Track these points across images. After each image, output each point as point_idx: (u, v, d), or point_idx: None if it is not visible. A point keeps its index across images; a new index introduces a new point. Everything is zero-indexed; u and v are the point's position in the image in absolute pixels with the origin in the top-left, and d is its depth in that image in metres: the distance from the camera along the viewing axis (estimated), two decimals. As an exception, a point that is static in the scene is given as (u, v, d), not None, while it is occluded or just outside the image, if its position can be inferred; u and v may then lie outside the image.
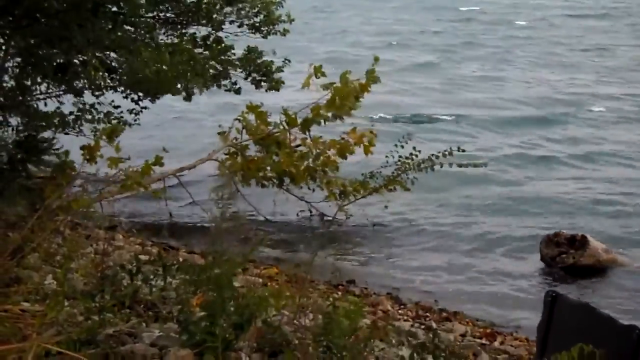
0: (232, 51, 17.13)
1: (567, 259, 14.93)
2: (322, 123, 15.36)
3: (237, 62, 17.33)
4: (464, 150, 15.82)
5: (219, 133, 16.49)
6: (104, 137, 13.09)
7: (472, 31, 51.28)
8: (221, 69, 17.09)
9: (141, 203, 16.88)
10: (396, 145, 15.82)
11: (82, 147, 13.20)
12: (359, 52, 40.40)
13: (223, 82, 17.62)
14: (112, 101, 15.44)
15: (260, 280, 12.39)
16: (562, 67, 38.30)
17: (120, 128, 13.81)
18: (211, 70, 16.81)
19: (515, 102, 30.22)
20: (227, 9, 16.79)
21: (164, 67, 14.01)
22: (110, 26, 10.41)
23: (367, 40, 46.43)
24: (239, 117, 16.06)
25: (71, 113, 13.08)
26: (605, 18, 57.06)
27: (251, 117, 15.84)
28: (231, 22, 17.08)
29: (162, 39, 15.72)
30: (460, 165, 15.69)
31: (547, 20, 56.62)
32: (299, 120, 15.49)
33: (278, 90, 17.93)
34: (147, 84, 14.59)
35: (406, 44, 45.94)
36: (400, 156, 15.71)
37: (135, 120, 16.33)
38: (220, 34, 17.06)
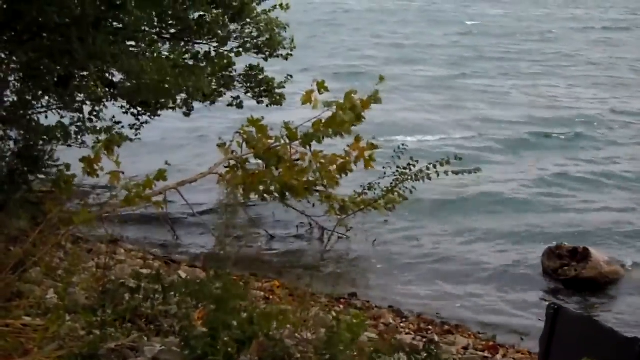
0: (234, 67, 17.12)
1: (569, 271, 14.91)
2: (322, 139, 15.38)
3: (238, 78, 17.35)
4: (460, 159, 15.82)
5: (218, 145, 16.51)
6: (102, 149, 13.14)
7: (481, 45, 51.37)
8: (222, 82, 17.08)
9: (143, 216, 16.86)
10: (393, 157, 15.86)
11: (82, 160, 13.23)
12: (369, 65, 40.46)
13: (225, 96, 17.59)
14: (113, 117, 15.45)
15: (262, 293, 12.40)
16: (575, 81, 38.36)
17: (117, 139, 13.84)
18: (213, 85, 16.79)
19: (528, 119, 29.87)
20: (231, 27, 16.80)
21: (164, 76, 14.03)
22: (111, 40, 10.43)
23: (375, 54, 46.45)
24: (239, 131, 16.09)
25: (72, 124, 13.08)
26: (614, 31, 57.43)
27: (252, 130, 15.87)
28: (235, 39, 17.07)
29: (165, 54, 15.73)
30: (455, 173, 15.67)
31: (554, 33, 56.81)
32: (300, 135, 15.52)
33: (280, 104, 17.94)
34: (147, 92, 14.57)
35: (415, 58, 45.95)
36: (398, 167, 15.73)
37: (136, 135, 16.33)
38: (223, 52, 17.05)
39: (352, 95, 15.51)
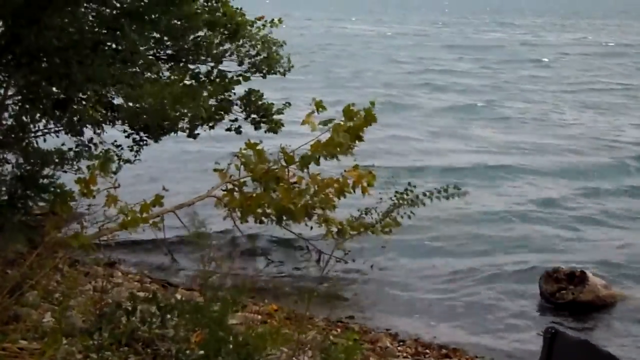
0: (233, 91, 17.19)
1: (567, 294, 14.90)
2: (318, 160, 15.40)
3: (237, 102, 17.40)
4: (459, 189, 15.87)
5: (215, 170, 16.53)
6: (97, 170, 13.14)
7: (500, 69, 51.94)
8: (221, 106, 17.13)
9: (140, 239, 16.85)
10: (389, 180, 15.93)
11: (78, 181, 13.23)
12: (392, 94, 40.66)
13: (224, 120, 17.63)
14: (115, 141, 15.50)
15: (259, 317, 12.37)
16: (598, 107, 38.72)
17: (112, 160, 13.86)
18: (212, 108, 16.85)
19: (556, 148, 29.87)
20: (227, 46, 16.88)
21: (164, 95, 14.08)
22: (109, 63, 10.46)
23: (395, 80, 46.82)
24: (237, 154, 16.12)
25: (70, 149, 13.09)
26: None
27: (250, 153, 15.90)
28: (231, 57, 17.15)
29: (162, 75, 15.79)
30: (446, 197, 15.70)
31: (569, 57, 57.39)
32: (297, 158, 15.55)
33: (276, 132, 17.96)
34: (148, 115, 14.62)
35: (437, 85, 46.24)
36: (396, 192, 15.76)
37: (135, 157, 16.36)
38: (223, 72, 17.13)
39: (351, 108, 15.53)
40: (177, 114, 15.07)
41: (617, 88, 46.68)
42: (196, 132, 16.85)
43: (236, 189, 16.00)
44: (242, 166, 16.07)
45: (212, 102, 16.75)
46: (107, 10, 10.21)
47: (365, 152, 18.89)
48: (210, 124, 17.12)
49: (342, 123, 15.31)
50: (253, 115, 17.65)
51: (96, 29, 10.05)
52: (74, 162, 13.27)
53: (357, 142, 15.53)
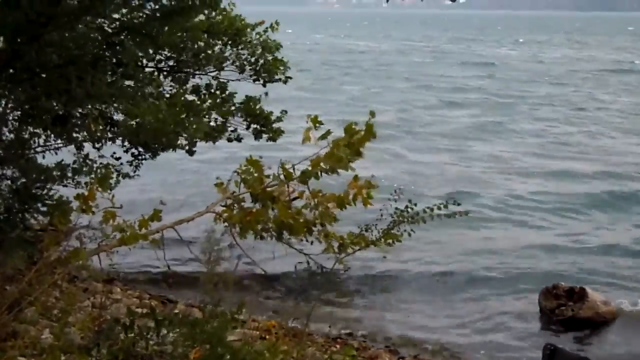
0: (234, 100, 17.23)
1: (566, 311, 14.89)
2: (320, 175, 15.41)
3: (236, 112, 17.41)
4: (459, 204, 15.83)
5: (216, 185, 16.54)
6: (96, 186, 13.14)
7: (518, 88, 52.20)
8: (222, 120, 17.17)
9: (139, 256, 16.85)
10: (391, 197, 15.89)
11: (76, 197, 13.23)
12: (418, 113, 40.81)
13: (223, 136, 17.65)
14: (114, 153, 15.53)
15: (258, 333, 12.36)
16: (613, 128, 39.07)
17: (110, 176, 13.87)
18: (213, 122, 16.88)
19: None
20: (227, 53, 16.91)
21: (164, 115, 14.11)
22: (110, 78, 10.49)
23: (414, 98, 47.03)
24: (237, 170, 16.12)
25: (69, 165, 13.12)
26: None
27: (250, 169, 15.90)
28: (232, 64, 17.18)
29: (163, 89, 15.83)
30: (447, 216, 15.68)
31: (586, 75, 57.83)
32: (298, 173, 15.56)
33: (275, 141, 18.00)
34: (146, 133, 14.65)
35: (456, 102, 46.42)
36: (396, 208, 15.74)
37: (135, 172, 16.37)
38: (222, 81, 17.16)
39: (353, 126, 15.56)
40: (177, 132, 15.10)
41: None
42: (194, 149, 16.88)
43: (236, 204, 15.99)
44: (241, 182, 16.07)
45: (213, 116, 16.80)
46: (107, 25, 10.23)
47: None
48: (211, 140, 17.18)
49: (342, 138, 15.33)
50: (254, 125, 17.68)
51: (96, 44, 10.07)
52: (74, 177, 13.31)
53: (357, 157, 15.54)
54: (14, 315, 7.28)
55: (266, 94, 17.77)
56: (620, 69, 72.58)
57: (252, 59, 17.10)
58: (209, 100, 16.67)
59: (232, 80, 17.25)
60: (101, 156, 14.87)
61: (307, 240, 16.29)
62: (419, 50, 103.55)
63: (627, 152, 32.93)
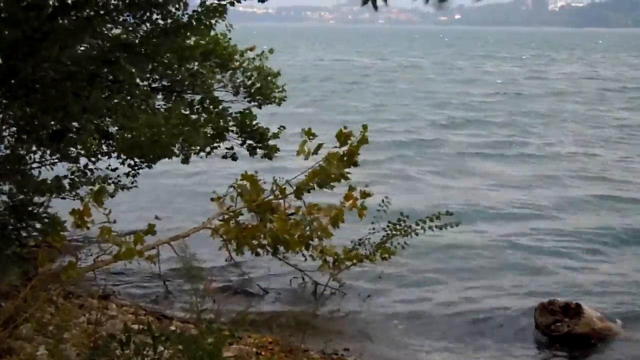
0: (228, 116, 17.29)
1: (562, 327, 14.86)
2: (314, 189, 15.48)
3: (232, 127, 17.47)
4: (451, 214, 15.86)
5: (212, 199, 16.56)
6: (92, 200, 13.16)
7: (526, 106, 52.47)
8: (216, 132, 17.21)
9: (135, 271, 16.83)
10: (380, 207, 15.94)
11: (72, 212, 13.24)
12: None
13: (219, 146, 17.69)
14: (109, 165, 15.55)
15: (254, 349, 12.34)
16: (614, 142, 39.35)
17: (105, 190, 13.89)
18: (208, 134, 16.94)
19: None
20: (220, 76, 16.99)
21: (159, 129, 14.14)
22: (106, 94, 10.51)
23: (420, 116, 47.23)
24: (233, 185, 16.16)
25: (65, 177, 13.14)
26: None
27: (246, 184, 15.95)
28: (225, 86, 17.27)
29: (158, 105, 15.88)
30: (439, 227, 15.70)
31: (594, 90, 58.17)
32: (293, 187, 15.62)
33: (271, 158, 18.06)
34: (143, 148, 14.69)
35: (463, 119, 46.55)
36: (389, 222, 15.77)
37: (132, 183, 16.45)
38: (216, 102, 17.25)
39: (344, 130, 15.63)
40: (172, 140, 15.16)
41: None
42: (189, 158, 16.95)
43: (232, 219, 16.02)
44: (238, 197, 16.11)
45: (208, 129, 16.87)
46: (104, 43, 10.26)
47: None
48: (206, 151, 17.25)
49: (334, 151, 15.42)
50: (249, 141, 17.73)
51: (92, 61, 10.10)
52: (71, 191, 13.33)
53: (352, 166, 15.63)
54: (10, 331, 7.28)
55: (259, 106, 17.86)
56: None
57: (248, 83, 17.24)
58: (204, 114, 16.73)
59: (227, 102, 17.34)
60: (96, 169, 14.91)
61: (303, 256, 16.33)
62: (422, 66, 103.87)
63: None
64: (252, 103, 17.70)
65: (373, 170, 29.89)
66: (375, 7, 4.76)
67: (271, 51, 17.77)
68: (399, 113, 50.91)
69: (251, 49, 17.61)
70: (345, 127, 15.93)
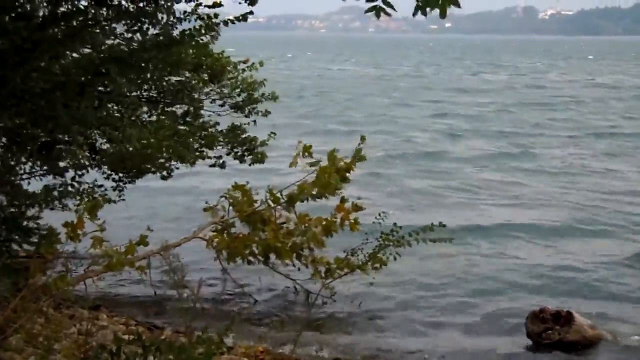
0: (217, 127, 17.29)
1: (553, 335, 14.86)
2: (307, 199, 15.48)
3: (220, 138, 17.46)
4: (444, 226, 15.85)
5: (204, 209, 16.56)
6: (85, 213, 13.13)
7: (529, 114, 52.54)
8: (204, 142, 17.19)
9: (126, 281, 16.81)
10: (375, 220, 15.92)
11: (65, 225, 13.21)
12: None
13: (207, 156, 17.67)
14: (95, 180, 15.48)
15: (245, 359, 12.33)
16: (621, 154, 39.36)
17: (100, 203, 13.87)
18: (195, 145, 16.93)
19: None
20: (209, 88, 17.01)
21: (148, 141, 14.15)
22: (95, 105, 10.51)
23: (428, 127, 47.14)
24: (225, 195, 16.16)
25: (54, 189, 13.12)
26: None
27: (237, 194, 15.95)
28: (213, 101, 17.30)
29: (145, 117, 15.87)
30: (432, 241, 15.68)
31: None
32: (285, 197, 15.62)
33: (262, 162, 18.09)
34: (131, 160, 14.68)
35: (465, 129, 46.51)
36: (382, 232, 15.76)
37: (120, 197, 16.38)
38: (203, 112, 17.25)
39: (335, 154, 15.64)
40: (162, 156, 15.15)
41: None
42: (173, 170, 16.92)
43: (223, 229, 16.02)
44: (229, 207, 16.11)
45: (196, 141, 16.85)
46: (94, 54, 10.27)
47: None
48: (192, 161, 17.22)
49: (327, 166, 15.43)
50: (236, 150, 17.72)
51: (83, 72, 10.09)
52: (60, 201, 13.31)
53: (344, 182, 15.62)
54: (-1, 343, 7.25)
55: (254, 122, 17.88)
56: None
57: (235, 94, 17.25)
58: (191, 126, 16.72)
59: (213, 112, 17.36)
60: (82, 183, 14.86)
61: (294, 265, 16.33)
62: (418, 75, 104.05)
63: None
64: (239, 113, 17.68)
65: (372, 180, 30.08)
66: (378, 16, 4.77)
67: (261, 63, 17.75)
68: (399, 123, 50.79)
69: (245, 62, 17.60)
70: (336, 150, 15.93)
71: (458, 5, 4.67)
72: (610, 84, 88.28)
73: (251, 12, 10.58)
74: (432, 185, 31.21)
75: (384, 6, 4.71)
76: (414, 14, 4.70)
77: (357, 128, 43.92)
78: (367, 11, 4.78)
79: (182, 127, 16.54)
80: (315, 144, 16.25)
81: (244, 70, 17.44)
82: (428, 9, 4.69)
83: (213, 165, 18.10)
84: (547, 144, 42.60)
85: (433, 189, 30.58)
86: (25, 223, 10.12)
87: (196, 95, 16.67)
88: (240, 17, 10.89)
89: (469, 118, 54.17)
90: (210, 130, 17.16)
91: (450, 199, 28.71)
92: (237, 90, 17.32)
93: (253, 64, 17.58)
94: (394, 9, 4.75)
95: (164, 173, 16.78)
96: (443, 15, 4.66)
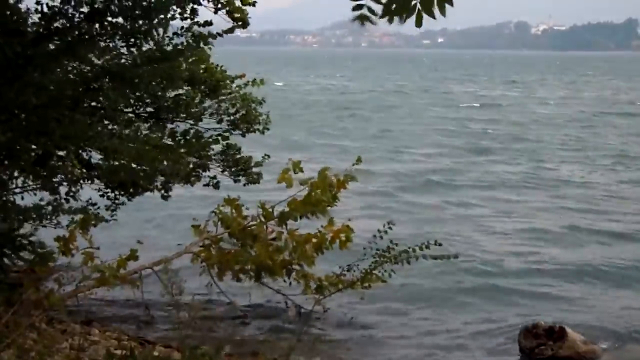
0: (212, 146, 17.23)
1: (546, 350, 14.88)
2: (299, 218, 15.45)
3: (215, 157, 17.42)
4: (440, 244, 15.85)
5: (193, 226, 16.51)
6: (77, 228, 13.11)
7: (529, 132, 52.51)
8: (199, 163, 17.15)
9: (118, 297, 16.78)
10: (375, 237, 15.89)
11: (57, 239, 13.19)
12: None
13: (202, 175, 17.63)
14: (90, 198, 15.44)
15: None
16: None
17: (93, 218, 13.84)
18: (190, 165, 16.89)
19: None
20: (207, 104, 16.97)
21: (141, 159, 14.13)
22: (89, 121, 10.52)
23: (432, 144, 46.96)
24: (215, 210, 16.13)
25: (48, 204, 13.09)
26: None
27: (227, 210, 15.92)
28: (211, 115, 17.24)
29: (140, 133, 15.83)
30: (433, 258, 15.69)
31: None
32: (276, 213, 15.59)
33: (258, 183, 18.01)
34: (125, 175, 14.64)
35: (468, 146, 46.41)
36: (377, 249, 15.74)
37: (112, 216, 16.26)
38: (201, 129, 17.19)
39: (326, 172, 15.64)
40: (154, 171, 15.10)
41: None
42: (170, 193, 16.87)
43: (213, 245, 15.99)
44: (219, 222, 16.08)
45: (190, 158, 16.79)
46: (88, 69, 10.28)
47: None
48: (188, 182, 17.17)
49: (318, 182, 15.42)
50: (231, 169, 17.68)
51: (76, 87, 10.10)
52: (52, 217, 13.27)
53: (334, 201, 15.61)
54: (-9, 358, 7.23)
55: (243, 135, 17.79)
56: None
57: (232, 111, 17.19)
58: (186, 146, 16.67)
59: (210, 129, 17.28)
60: (77, 200, 14.81)
61: (285, 281, 16.29)
62: (418, 91, 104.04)
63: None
64: (236, 131, 17.61)
65: (373, 197, 30.19)
66: (362, 23, 4.76)
67: (262, 82, 17.65)
68: (403, 139, 50.56)
69: (241, 77, 17.56)
70: (327, 168, 15.94)
71: (433, 17, 4.67)
72: (616, 101, 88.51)
73: (243, 26, 10.61)
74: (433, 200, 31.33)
75: (368, 14, 4.72)
76: (382, 17, 4.70)
77: (360, 144, 44.08)
78: (353, 20, 4.79)
79: (177, 144, 16.49)
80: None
81: (241, 86, 17.36)
82: (397, 18, 4.69)
83: (207, 185, 18.03)
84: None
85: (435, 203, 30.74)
86: (18, 240, 10.09)
87: (193, 110, 16.62)
88: (229, 30, 10.91)
89: (468, 135, 54.01)
90: (206, 149, 17.09)
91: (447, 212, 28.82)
92: (236, 106, 17.24)
93: (255, 80, 17.48)
94: (375, 14, 4.75)
95: (163, 192, 16.76)
96: (419, 23, 4.66)
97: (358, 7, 4.65)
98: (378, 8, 4.65)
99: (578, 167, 39.89)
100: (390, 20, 4.64)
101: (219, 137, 17.18)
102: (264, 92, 17.66)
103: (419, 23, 4.65)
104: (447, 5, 4.57)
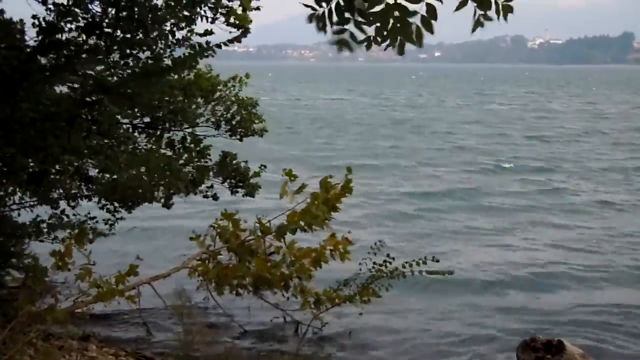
0: (209, 157, 17.19)
1: (544, 364, 14.84)
2: (295, 231, 15.44)
3: (213, 168, 17.37)
4: (437, 260, 15.86)
5: (191, 238, 16.49)
6: (73, 242, 13.09)
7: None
8: (197, 175, 17.10)
9: (115, 311, 16.72)
10: (369, 252, 15.89)
11: (52, 254, 13.15)
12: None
13: (199, 189, 17.58)
14: (89, 213, 15.41)
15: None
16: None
17: (88, 232, 13.81)
18: (189, 175, 16.85)
19: None
20: (203, 109, 16.94)
21: (141, 171, 14.11)
22: (86, 135, 10.49)
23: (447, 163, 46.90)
24: (213, 225, 16.11)
25: (43, 221, 13.05)
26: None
27: (226, 224, 15.91)
28: (207, 120, 17.20)
29: (139, 145, 15.80)
30: (429, 273, 15.69)
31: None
32: (274, 227, 15.58)
33: (253, 196, 17.94)
34: (123, 191, 14.62)
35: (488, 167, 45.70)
36: (374, 263, 15.74)
37: (110, 231, 16.20)
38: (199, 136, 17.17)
39: (328, 180, 15.65)
40: (153, 185, 15.07)
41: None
42: (171, 202, 16.81)
43: (212, 259, 15.98)
44: (217, 236, 16.07)
45: (188, 168, 16.76)
46: (85, 83, 10.27)
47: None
48: (187, 194, 17.12)
49: (318, 193, 15.41)
50: (228, 181, 17.63)
51: (72, 102, 10.09)
52: (49, 234, 13.24)
53: (332, 213, 15.61)
54: (-13, 375, 7.20)
55: (241, 140, 17.73)
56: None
57: (228, 115, 17.13)
58: (185, 155, 16.62)
59: (209, 136, 17.23)
60: (76, 214, 14.78)
61: (283, 295, 16.27)
62: (422, 105, 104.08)
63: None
64: (234, 137, 17.55)
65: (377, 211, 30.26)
66: (340, 49, 4.79)
67: (247, 76, 17.59)
68: (415, 157, 49.97)
69: (234, 78, 17.51)
70: (330, 176, 15.96)
71: (420, 45, 4.69)
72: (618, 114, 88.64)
73: (240, 39, 10.60)
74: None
75: (349, 39, 4.75)
76: (361, 42, 4.73)
77: (369, 161, 43.88)
78: (332, 44, 4.82)
79: (174, 156, 16.46)
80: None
81: (233, 86, 17.30)
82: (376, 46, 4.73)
83: (205, 196, 17.97)
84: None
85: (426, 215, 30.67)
86: (12, 258, 10.07)
87: (191, 116, 16.58)
88: (234, 39, 10.90)
89: (481, 151, 53.53)
90: (202, 160, 17.05)
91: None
92: (231, 109, 17.18)
93: (241, 78, 17.43)
94: (356, 41, 4.78)
95: (164, 201, 16.71)
96: (401, 52, 4.69)
97: (340, 31, 4.67)
98: (360, 34, 4.69)
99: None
100: (368, 47, 4.68)
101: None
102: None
103: (401, 51, 4.68)
104: (434, 24, 4.59)
